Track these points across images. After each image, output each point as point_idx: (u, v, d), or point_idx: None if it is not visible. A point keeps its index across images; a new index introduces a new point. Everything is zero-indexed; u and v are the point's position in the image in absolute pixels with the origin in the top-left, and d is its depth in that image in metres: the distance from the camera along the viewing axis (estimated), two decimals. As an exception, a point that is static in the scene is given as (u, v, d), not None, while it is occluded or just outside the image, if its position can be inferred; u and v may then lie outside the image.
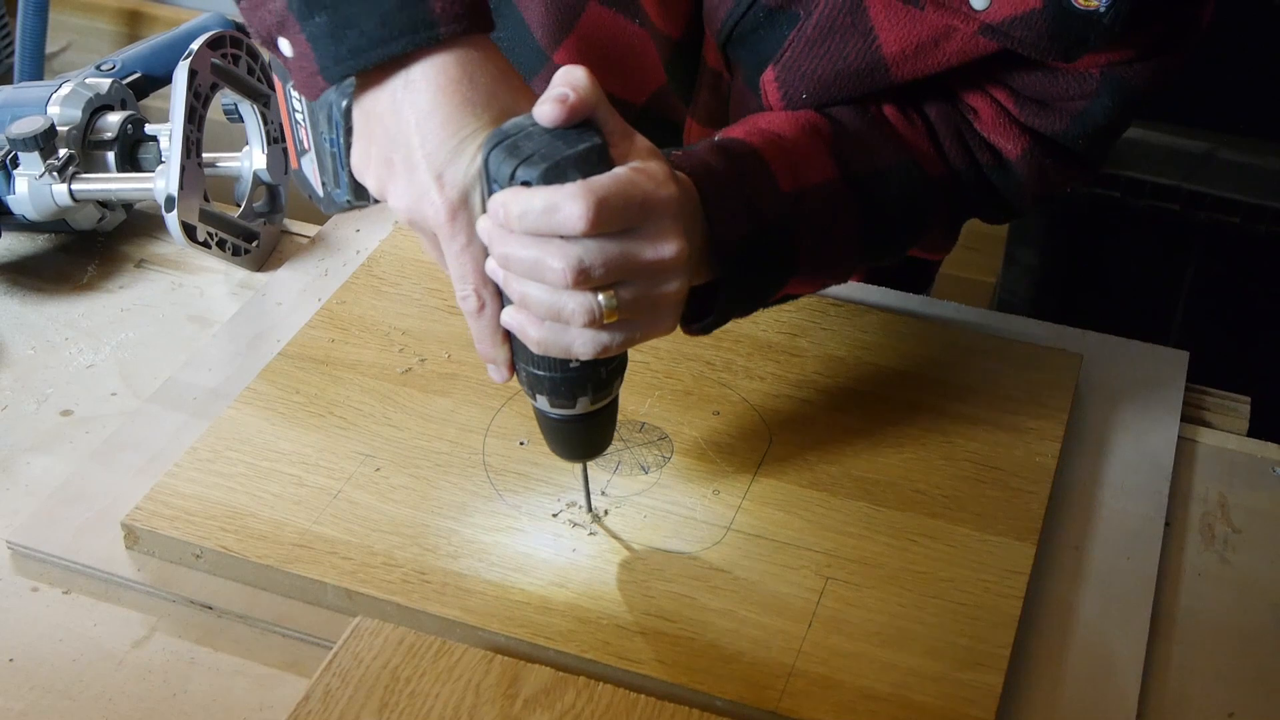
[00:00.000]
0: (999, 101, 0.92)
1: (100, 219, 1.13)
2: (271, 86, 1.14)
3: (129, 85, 1.15)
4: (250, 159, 1.13)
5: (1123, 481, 0.95)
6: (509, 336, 0.78)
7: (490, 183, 0.73)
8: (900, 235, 0.93)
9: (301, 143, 0.89)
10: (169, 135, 1.04)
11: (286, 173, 1.15)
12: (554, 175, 0.70)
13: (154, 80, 1.19)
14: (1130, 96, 0.89)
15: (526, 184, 0.70)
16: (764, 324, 1.04)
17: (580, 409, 0.80)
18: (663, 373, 1.00)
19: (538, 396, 0.80)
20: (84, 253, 1.14)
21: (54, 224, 1.11)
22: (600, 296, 0.73)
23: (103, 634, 0.83)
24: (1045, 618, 0.85)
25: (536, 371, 0.78)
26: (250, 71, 1.11)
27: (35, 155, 1.05)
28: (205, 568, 0.86)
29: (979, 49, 0.87)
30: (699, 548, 0.86)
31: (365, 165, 0.79)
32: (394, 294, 1.06)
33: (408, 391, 0.97)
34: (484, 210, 0.74)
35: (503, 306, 0.77)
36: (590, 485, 0.88)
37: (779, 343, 1.03)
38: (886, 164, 0.91)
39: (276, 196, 1.15)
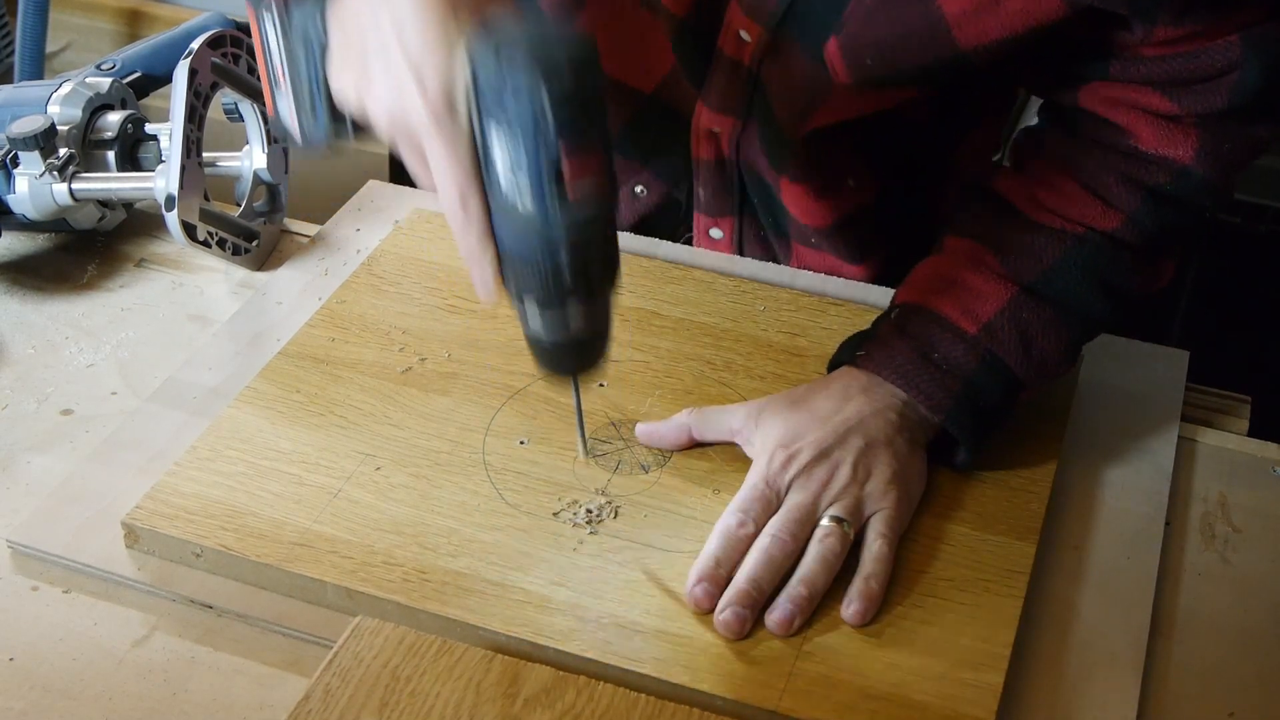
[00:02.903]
0: (1153, 110, 0.91)
1: (100, 218, 1.13)
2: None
3: (129, 84, 1.15)
4: (250, 158, 1.13)
5: (1123, 481, 0.95)
6: (494, 240, 0.76)
7: (477, 85, 0.72)
8: (1105, 305, 0.94)
9: (277, 80, 0.86)
10: (169, 134, 1.04)
11: (286, 172, 1.15)
12: (541, 52, 0.70)
13: (154, 79, 1.18)
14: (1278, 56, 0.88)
15: (515, 85, 0.70)
16: (764, 324, 1.04)
17: (571, 313, 0.77)
18: (663, 372, 1.00)
19: (525, 301, 0.77)
20: (84, 252, 1.14)
21: (54, 223, 1.10)
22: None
23: (103, 633, 0.83)
24: (1046, 617, 0.85)
25: (524, 271, 0.76)
26: (250, 71, 1.11)
27: (35, 155, 1.05)
28: (205, 567, 0.86)
29: (1042, 9, 0.86)
30: (699, 546, 0.86)
31: (343, 71, 0.77)
32: (394, 294, 1.06)
33: (408, 391, 0.97)
34: (469, 112, 0.73)
35: (489, 210, 0.75)
36: (590, 482, 0.88)
37: (779, 343, 1.02)
38: (1054, 257, 0.93)
39: (276, 196, 1.15)
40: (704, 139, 1.09)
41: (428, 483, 0.90)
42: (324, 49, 0.80)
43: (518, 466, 0.91)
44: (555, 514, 0.88)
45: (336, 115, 0.81)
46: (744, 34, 0.98)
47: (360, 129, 0.80)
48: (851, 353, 0.94)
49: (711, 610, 0.82)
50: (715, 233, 1.16)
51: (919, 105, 1.05)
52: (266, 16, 0.84)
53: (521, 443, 0.93)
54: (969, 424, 0.90)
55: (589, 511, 0.88)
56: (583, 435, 0.87)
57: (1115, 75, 0.92)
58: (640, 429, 0.92)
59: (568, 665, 0.79)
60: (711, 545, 0.84)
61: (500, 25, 0.72)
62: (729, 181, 1.12)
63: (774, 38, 0.97)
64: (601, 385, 0.98)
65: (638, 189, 1.15)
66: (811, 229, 1.11)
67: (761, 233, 1.16)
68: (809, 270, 1.13)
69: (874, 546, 0.85)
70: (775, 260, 1.16)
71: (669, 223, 1.17)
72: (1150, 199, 0.93)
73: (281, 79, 0.85)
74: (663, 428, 0.92)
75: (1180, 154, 0.91)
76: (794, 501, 0.86)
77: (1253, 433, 1.01)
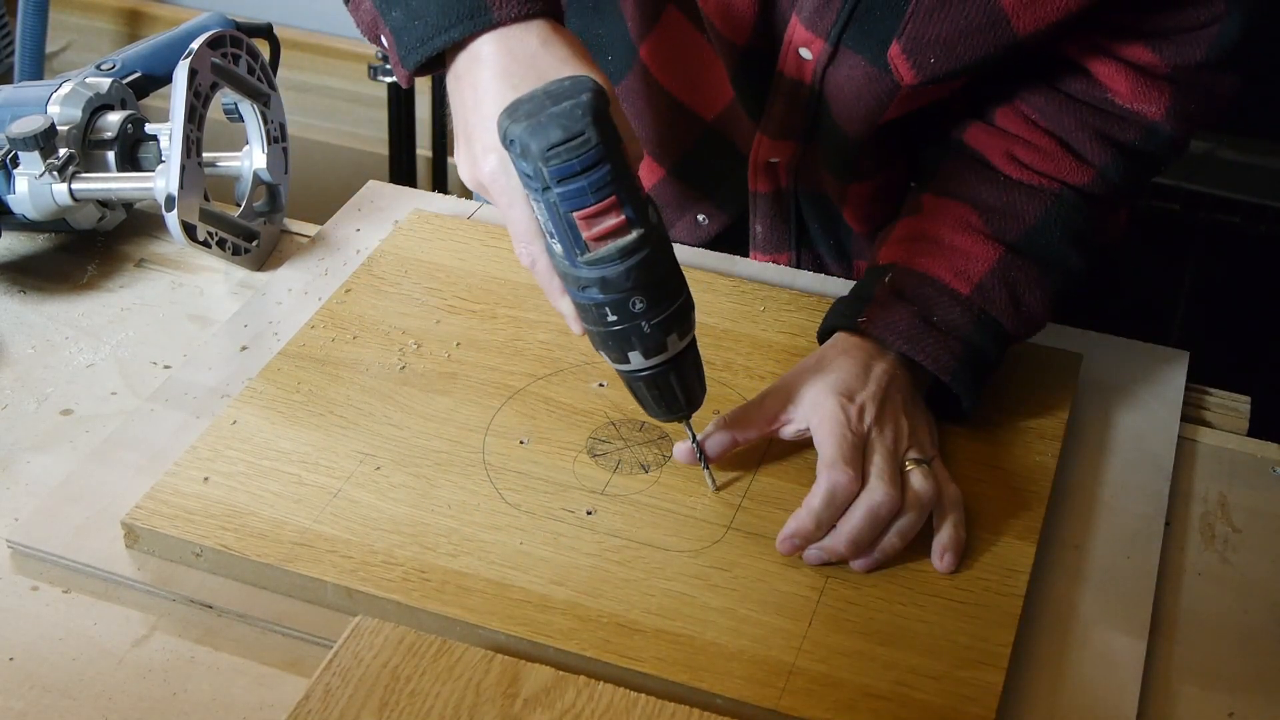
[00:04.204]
0: (1133, 61, 0.94)
1: (100, 218, 1.13)
2: (272, 86, 1.14)
3: (129, 85, 1.15)
4: (250, 159, 1.13)
5: (1123, 481, 0.95)
6: (565, 291, 0.82)
7: (506, 146, 0.77)
8: (1081, 258, 0.98)
9: None
10: (169, 135, 1.04)
11: (286, 172, 1.15)
12: (535, 130, 0.74)
13: (154, 80, 1.18)
14: (1258, 4, 0.91)
15: (514, 142, 0.75)
16: (764, 324, 1.04)
17: (635, 364, 0.82)
18: (663, 372, 0.99)
19: (597, 348, 0.83)
20: (84, 252, 1.14)
21: (54, 223, 1.11)
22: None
23: (103, 633, 0.83)
24: (1046, 617, 0.85)
25: (584, 319, 0.81)
26: (250, 71, 1.11)
27: (35, 155, 1.05)
28: (205, 566, 0.86)
29: None
30: (700, 546, 0.86)
31: (454, 139, 0.84)
32: (394, 294, 1.06)
33: (408, 391, 0.97)
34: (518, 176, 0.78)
35: (555, 265, 0.80)
36: (590, 481, 0.88)
37: (779, 342, 1.03)
38: (1035, 216, 0.97)
39: (276, 196, 1.15)
40: (761, 172, 1.10)
41: (427, 482, 0.90)
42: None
43: (518, 466, 0.91)
44: (554, 513, 0.88)
45: None
46: (804, 51, 0.99)
47: None
48: (850, 319, 0.95)
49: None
50: None
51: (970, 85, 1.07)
52: None
53: (522, 443, 0.93)
54: (970, 381, 0.93)
55: (589, 511, 0.88)
56: (708, 470, 0.90)
57: (1112, 25, 0.94)
58: (679, 452, 0.91)
59: (568, 665, 0.79)
60: (815, 503, 0.85)
61: (525, 97, 0.76)
62: (786, 213, 1.14)
63: (836, 50, 0.98)
64: (601, 385, 0.98)
65: (700, 218, 1.16)
66: (874, 234, 1.12)
67: (819, 262, 1.17)
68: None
69: (949, 490, 0.88)
70: None
71: (733, 252, 1.17)
72: (1120, 155, 0.97)
73: None
74: (709, 445, 0.90)
75: (1152, 110, 0.95)
76: (884, 448, 0.88)
77: (1253, 433, 1.01)
